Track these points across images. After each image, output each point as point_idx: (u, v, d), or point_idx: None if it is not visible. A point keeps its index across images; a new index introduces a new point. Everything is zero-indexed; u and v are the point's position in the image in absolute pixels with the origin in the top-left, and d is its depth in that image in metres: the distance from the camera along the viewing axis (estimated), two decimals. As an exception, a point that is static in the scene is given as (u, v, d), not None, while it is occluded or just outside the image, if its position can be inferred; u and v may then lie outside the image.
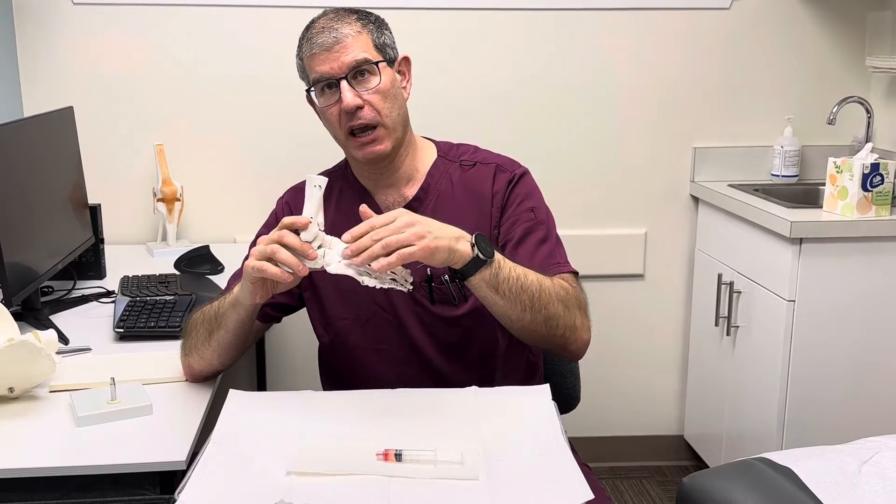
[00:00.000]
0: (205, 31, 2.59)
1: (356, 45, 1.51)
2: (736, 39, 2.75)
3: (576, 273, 1.58)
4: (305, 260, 1.32)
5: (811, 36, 2.77)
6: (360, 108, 1.51)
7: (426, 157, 1.65)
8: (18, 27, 2.53)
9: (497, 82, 2.70)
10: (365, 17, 1.56)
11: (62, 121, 2.16)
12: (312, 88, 1.55)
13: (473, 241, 1.37)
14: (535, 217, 1.60)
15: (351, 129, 1.52)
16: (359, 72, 1.51)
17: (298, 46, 1.58)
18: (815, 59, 2.79)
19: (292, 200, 1.66)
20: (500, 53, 2.69)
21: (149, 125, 2.60)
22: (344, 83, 1.50)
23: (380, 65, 1.53)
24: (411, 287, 1.36)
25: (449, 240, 1.34)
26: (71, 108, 2.21)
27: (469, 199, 1.61)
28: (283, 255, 1.31)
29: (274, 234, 1.34)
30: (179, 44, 2.58)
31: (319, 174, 1.69)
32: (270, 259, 1.32)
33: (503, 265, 1.40)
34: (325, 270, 1.33)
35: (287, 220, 1.34)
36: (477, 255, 1.36)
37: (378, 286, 1.33)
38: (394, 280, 1.35)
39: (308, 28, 1.56)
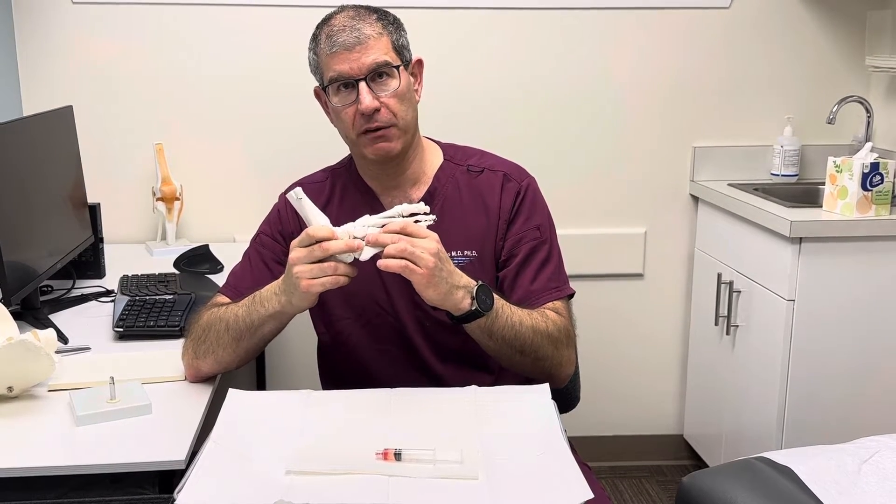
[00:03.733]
0: (204, 31, 2.59)
1: (377, 47, 1.51)
2: (736, 39, 2.75)
3: (571, 294, 1.62)
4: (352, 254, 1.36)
5: (811, 35, 2.77)
6: (377, 110, 1.51)
7: (433, 160, 1.65)
8: (18, 26, 2.53)
9: (496, 81, 2.70)
10: (384, 18, 1.56)
11: (61, 120, 2.16)
12: (328, 87, 1.53)
13: (474, 295, 1.40)
14: (539, 236, 1.61)
15: (366, 130, 1.52)
16: (377, 74, 1.51)
17: (313, 41, 1.56)
18: (815, 59, 2.79)
19: None
20: (499, 53, 2.68)
21: (148, 124, 2.60)
22: (363, 85, 1.50)
23: (399, 68, 1.53)
24: (434, 216, 1.41)
25: (449, 287, 1.37)
26: (70, 107, 2.21)
27: (476, 206, 1.61)
28: (344, 269, 1.36)
29: (315, 251, 1.34)
30: (179, 43, 2.58)
31: (316, 172, 1.71)
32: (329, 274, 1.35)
33: (500, 314, 1.44)
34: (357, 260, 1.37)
35: (313, 235, 1.35)
36: (475, 310, 1.40)
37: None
38: (414, 217, 1.39)
39: (326, 24, 1.55)
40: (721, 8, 2.72)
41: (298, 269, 1.35)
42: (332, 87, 1.53)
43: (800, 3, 2.75)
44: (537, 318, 1.50)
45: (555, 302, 1.58)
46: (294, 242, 1.38)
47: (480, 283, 1.41)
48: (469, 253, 1.59)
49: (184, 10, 2.56)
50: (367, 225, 1.38)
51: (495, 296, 1.44)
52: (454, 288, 1.38)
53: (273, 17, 2.59)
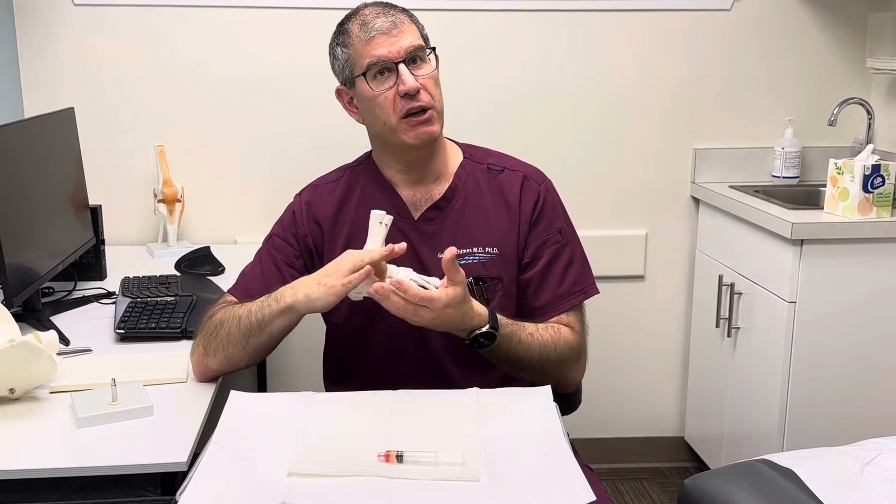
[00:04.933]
0: (206, 33, 2.59)
1: (411, 32, 1.55)
2: (737, 41, 2.75)
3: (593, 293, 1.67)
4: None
5: (812, 37, 2.77)
6: (418, 91, 1.52)
7: (453, 157, 1.67)
8: (19, 28, 2.53)
9: (497, 83, 2.70)
10: (406, 10, 1.60)
11: (63, 121, 2.16)
12: (365, 73, 1.53)
13: (472, 338, 1.46)
14: (562, 239, 1.63)
15: (408, 110, 1.53)
16: (412, 58, 1.53)
17: (342, 35, 1.57)
18: (816, 61, 2.79)
19: (313, 199, 1.66)
20: (500, 55, 2.69)
21: (149, 126, 2.60)
22: (403, 66, 1.52)
23: (430, 54, 1.57)
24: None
25: (447, 327, 1.44)
26: (72, 108, 2.21)
27: (497, 204, 1.63)
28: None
29: (365, 255, 1.41)
30: (180, 45, 2.58)
31: (331, 172, 1.71)
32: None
33: (501, 346, 1.48)
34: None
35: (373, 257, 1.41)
36: (472, 342, 1.47)
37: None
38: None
39: (355, 16, 1.57)
40: (722, 10, 2.72)
41: (338, 269, 1.40)
42: (370, 73, 1.53)
43: (800, 5, 2.75)
44: (547, 342, 1.54)
45: (568, 314, 1.60)
46: (352, 252, 1.43)
47: (486, 328, 1.45)
48: (490, 250, 1.60)
49: (185, 11, 2.56)
50: (409, 278, 1.42)
51: (507, 323, 1.49)
52: (455, 330, 1.45)
53: (275, 19, 2.59)
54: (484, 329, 1.45)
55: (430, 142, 1.57)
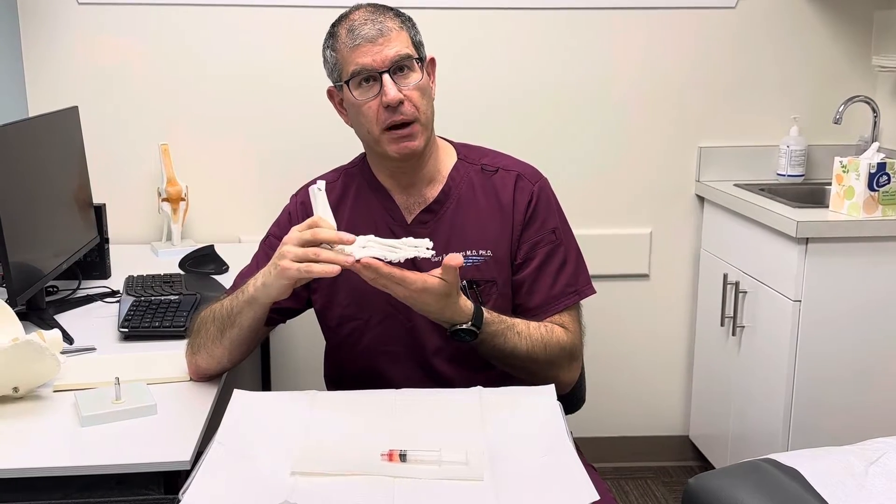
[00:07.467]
0: (210, 31, 2.59)
1: (399, 40, 1.51)
2: (742, 39, 2.74)
3: (590, 293, 1.65)
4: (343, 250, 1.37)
5: (817, 35, 2.76)
6: (401, 102, 1.50)
7: (447, 159, 1.65)
8: (23, 27, 2.54)
9: (501, 82, 2.69)
10: (401, 15, 1.57)
11: (67, 120, 2.17)
12: (349, 81, 1.52)
13: (452, 331, 1.45)
14: (556, 238, 1.62)
15: (390, 124, 1.51)
16: (398, 67, 1.51)
17: (331, 38, 1.56)
18: (821, 59, 2.78)
19: (308, 200, 1.65)
20: (504, 53, 2.68)
21: (153, 125, 2.60)
22: (387, 77, 1.49)
23: (419, 62, 1.54)
24: (433, 251, 1.39)
25: (424, 312, 1.45)
26: (76, 107, 2.22)
27: (491, 206, 1.61)
28: (327, 255, 1.35)
29: (305, 234, 1.37)
30: (184, 43, 2.58)
31: (328, 172, 1.71)
32: (310, 259, 1.36)
33: (485, 343, 1.48)
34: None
35: (314, 223, 1.39)
36: (452, 335, 1.46)
37: (402, 258, 1.38)
38: (416, 247, 1.39)
39: (344, 20, 1.54)
40: (727, 8, 2.71)
41: (285, 248, 1.37)
42: (354, 81, 1.51)
43: (806, 3, 2.74)
44: (536, 342, 1.53)
45: (563, 314, 1.59)
46: (294, 227, 1.40)
47: (466, 325, 1.44)
48: (484, 252, 1.59)
49: (189, 10, 2.56)
50: (369, 243, 1.39)
51: (495, 321, 1.47)
52: (441, 319, 1.45)
53: (278, 18, 2.59)
54: (464, 326, 1.44)
55: (412, 156, 1.55)
